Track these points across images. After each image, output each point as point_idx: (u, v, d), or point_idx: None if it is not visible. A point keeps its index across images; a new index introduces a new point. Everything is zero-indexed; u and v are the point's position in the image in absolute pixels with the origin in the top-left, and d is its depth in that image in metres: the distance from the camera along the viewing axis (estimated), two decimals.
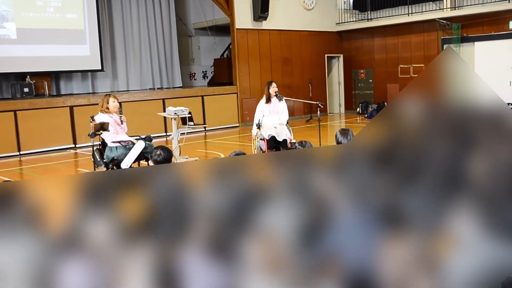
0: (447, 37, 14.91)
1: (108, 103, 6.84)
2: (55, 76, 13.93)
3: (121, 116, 6.94)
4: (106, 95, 6.98)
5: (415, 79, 2.00)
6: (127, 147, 6.80)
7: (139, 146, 6.66)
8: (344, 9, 17.50)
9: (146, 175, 1.74)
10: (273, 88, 7.87)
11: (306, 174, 1.95)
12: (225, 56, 17.65)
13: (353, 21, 17.28)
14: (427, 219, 1.93)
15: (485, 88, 1.99)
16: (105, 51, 14.41)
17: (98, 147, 6.99)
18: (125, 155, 6.67)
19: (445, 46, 14.87)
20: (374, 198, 1.94)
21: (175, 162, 6.42)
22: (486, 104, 2.02)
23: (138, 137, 7.01)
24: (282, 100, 7.95)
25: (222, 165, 1.92)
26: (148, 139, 6.97)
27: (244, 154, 3.63)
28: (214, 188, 1.82)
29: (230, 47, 16.16)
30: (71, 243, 1.64)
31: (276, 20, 15.76)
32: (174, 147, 8.57)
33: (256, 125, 7.66)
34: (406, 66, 16.12)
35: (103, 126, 6.57)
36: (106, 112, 6.83)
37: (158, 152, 4.12)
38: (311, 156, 1.96)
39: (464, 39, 14.70)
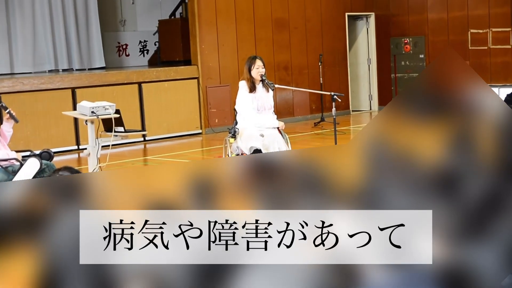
0: None
1: None
2: None
3: (5, 108, 6.95)
4: None
5: None
6: (10, 169, 6.78)
7: (31, 167, 6.63)
8: None
9: (39, 196, 1.75)
10: (258, 70, 7.87)
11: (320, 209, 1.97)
12: (177, 16, 17.68)
13: None
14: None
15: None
16: None
17: None
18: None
19: None
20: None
21: None
22: None
23: (29, 153, 6.98)
24: (272, 89, 7.97)
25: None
26: (46, 155, 6.95)
27: None
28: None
29: (186, 0, 16.18)
30: None
31: None
32: (91, 169, 8.55)
33: (230, 133, 7.65)
34: (480, 31, 16.27)
35: None
36: None
37: (58, 176, 4.06)
38: (323, 173, 1.98)
39: None
